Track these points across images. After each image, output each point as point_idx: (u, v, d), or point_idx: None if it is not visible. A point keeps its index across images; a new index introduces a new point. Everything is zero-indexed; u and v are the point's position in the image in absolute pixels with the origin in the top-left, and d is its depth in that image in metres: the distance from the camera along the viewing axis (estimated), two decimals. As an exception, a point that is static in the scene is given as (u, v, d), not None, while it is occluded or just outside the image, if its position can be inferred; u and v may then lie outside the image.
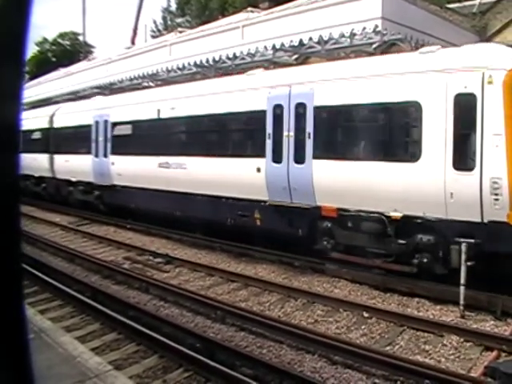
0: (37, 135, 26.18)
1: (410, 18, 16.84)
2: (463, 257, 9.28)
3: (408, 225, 10.48)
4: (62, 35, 61.73)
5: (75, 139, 22.56)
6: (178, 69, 23.97)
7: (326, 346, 7.91)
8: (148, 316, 9.38)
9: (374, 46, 17.87)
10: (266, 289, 11.36)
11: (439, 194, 9.77)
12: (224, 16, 31.19)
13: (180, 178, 15.80)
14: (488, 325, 8.96)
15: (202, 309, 9.98)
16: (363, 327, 9.06)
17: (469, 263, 9.26)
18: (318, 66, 14.57)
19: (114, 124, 19.66)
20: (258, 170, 13.26)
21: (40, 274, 11.73)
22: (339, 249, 11.92)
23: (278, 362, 7.55)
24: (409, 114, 10.82)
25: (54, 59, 57.14)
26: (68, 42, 61.35)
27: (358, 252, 11.46)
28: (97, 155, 20.49)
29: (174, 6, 53.70)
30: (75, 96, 31.95)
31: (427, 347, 8.14)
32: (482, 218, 9.38)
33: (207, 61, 21.99)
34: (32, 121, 26.04)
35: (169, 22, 52.25)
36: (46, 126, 25.42)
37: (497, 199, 9.16)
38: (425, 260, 10.30)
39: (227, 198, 14.30)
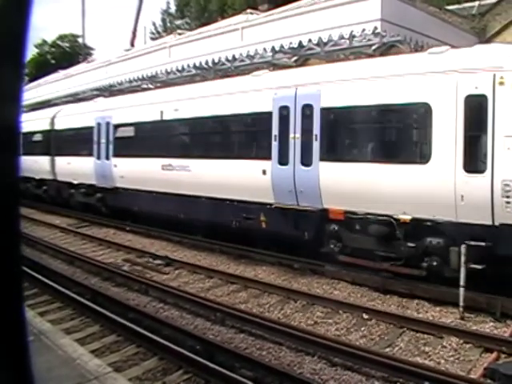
0: (38, 137, 26.06)
1: (409, 19, 16.87)
2: (462, 258, 9.28)
3: (417, 228, 10.32)
4: (62, 37, 61.84)
5: (77, 141, 22.38)
6: (178, 71, 24.00)
7: (325, 348, 7.90)
8: (148, 318, 9.37)
9: (374, 47, 17.90)
10: (265, 290, 11.35)
11: (449, 196, 9.63)
12: (223, 18, 31.21)
13: (184, 180, 15.63)
14: (487, 326, 8.95)
15: (201, 311, 9.97)
16: (363, 329, 9.06)
17: (479, 266, 9.21)
18: (324, 66, 14.37)
19: (116, 126, 19.49)
20: (264, 172, 13.11)
21: (40, 276, 11.71)
22: (346, 252, 11.76)
23: (278, 363, 7.54)
24: (418, 115, 10.63)
25: (53, 61, 57.20)
26: (67, 44, 61.43)
27: (366, 255, 11.29)
28: (99, 157, 20.33)
29: (173, 8, 53.84)
30: (74, 98, 31.95)
31: (427, 349, 8.13)
32: (493, 221, 9.24)
33: (206, 63, 22.02)
34: (33, 123, 25.93)
35: (168, 24, 52.33)
36: (48, 127, 25.26)
37: (508, 202, 9.03)
38: (434, 263, 10.15)
39: (232, 201, 14.12)
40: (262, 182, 13.12)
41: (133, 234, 18.43)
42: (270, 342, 8.47)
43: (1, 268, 1.72)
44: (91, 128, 20.79)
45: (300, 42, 18.21)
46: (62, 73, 37.98)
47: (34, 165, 24.84)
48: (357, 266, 11.56)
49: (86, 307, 10.01)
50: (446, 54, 10.53)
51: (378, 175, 10.82)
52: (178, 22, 49.92)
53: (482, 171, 9.35)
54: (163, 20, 53.54)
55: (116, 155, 19.42)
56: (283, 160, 12.73)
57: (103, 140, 20.09)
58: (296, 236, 12.64)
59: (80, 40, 55.93)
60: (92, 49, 59.08)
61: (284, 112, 12.79)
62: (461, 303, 9.33)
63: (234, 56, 20.86)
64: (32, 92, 37.68)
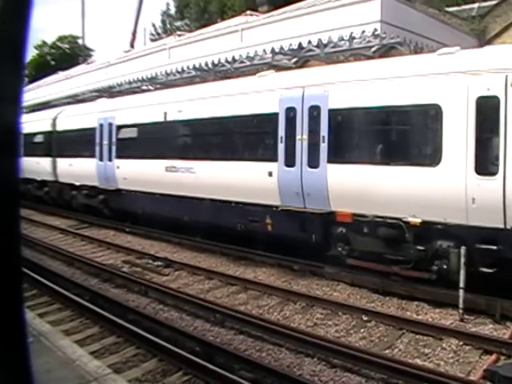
0: (39, 138, 25.91)
1: (408, 21, 16.93)
2: (462, 260, 9.27)
3: (427, 230, 10.17)
4: (62, 38, 61.94)
5: (79, 142, 22.17)
6: (177, 72, 24.03)
7: (325, 350, 7.89)
8: (147, 319, 9.36)
9: (373, 49, 17.90)
10: (265, 292, 11.35)
11: (460, 199, 9.48)
12: (223, 19, 31.33)
13: (188, 182, 15.45)
14: (487, 328, 8.94)
15: (201, 312, 9.96)
16: (362, 330, 9.05)
17: (490, 270, 9.15)
18: (332, 67, 14.18)
19: (119, 127, 19.31)
20: (270, 174, 12.92)
21: (39, 278, 11.71)
22: (354, 255, 11.63)
23: (277, 365, 7.53)
24: (428, 116, 10.45)
25: (53, 62, 57.32)
26: (67, 46, 61.56)
27: (375, 258, 11.16)
28: (101, 159, 20.15)
29: (173, 10, 54.01)
30: (74, 99, 31.96)
31: (426, 350, 8.13)
32: (505, 224, 9.11)
33: (206, 64, 22.07)
34: (34, 124, 25.84)
35: (168, 26, 52.48)
36: (49, 129, 25.06)
37: None
38: (444, 266, 9.96)
39: (237, 203, 13.97)
40: (268, 184, 12.96)
41: (132, 236, 18.41)
42: (270, 343, 8.46)
43: (1, 269, 1.72)
44: (93, 129, 20.61)
45: (300, 44, 18.25)
46: (61, 74, 38.10)
47: (36, 166, 24.77)
48: (364, 269, 11.41)
49: (86, 308, 10.00)
50: (456, 55, 10.36)
51: (388, 177, 10.68)
52: (178, 24, 50.10)
53: (493, 173, 9.21)
54: (163, 21, 53.70)
55: (119, 156, 19.23)
56: (290, 162, 12.56)
57: (106, 141, 19.91)
58: (302, 239, 12.46)
59: (80, 41, 56.22)
60: (92, 50, 59.38)
61: (291, 113, 12.62)
62: (460, 305, 9.32)
63: (233, 57, 20.90)
64: (32, 93, 37.75)
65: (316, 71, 14.09)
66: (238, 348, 8.22)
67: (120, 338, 8.64)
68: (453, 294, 9.60)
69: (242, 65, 21.17)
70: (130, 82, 27.16)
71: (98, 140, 20.37)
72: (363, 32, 16.37)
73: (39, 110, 31.49)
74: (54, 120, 24.91)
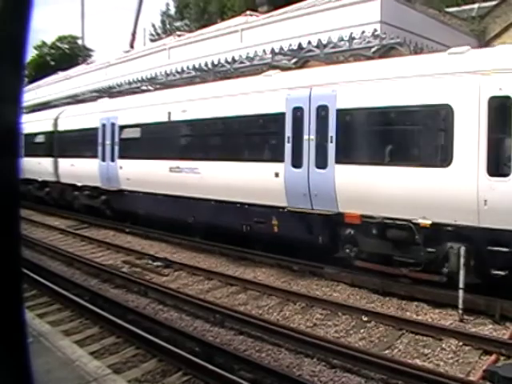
0: (40, 138, 25.79)
1: (408, 21, 16.92)
2: (462, 260, 9.27)
3: (437, 232, 10.01)
4: (61, 39, 61.97)
5: (81, 142, 22.04)
6: (177, 72, 24.03)
7: (324, 350, 7.89)
8: (147, 320, 9.36)
9: (373, 49, 17.90)
10: (264, 292, 11.35)
11: (472, 200, 9.33)
12: (223, 20, 31.34)
13: (193, 182, 15.30)
14: (487, 328, 8.94)
15: (200, 312, 9.96)
16: (362, 331, 9.05)
17: (502, 273, 9.08)
18: (340, 67, 14.07)
19: (122, 127, 19.15)
20: (277, 174, 12.78)
21: (39, 278, 11.71)
22: (362, 257, 11.49)
23: (277, 365, 7.54)
24: (439, 117, 10.28)
25: (52, 63, 57.34)
26: (67, 46, 61.57)
27: (383, 260, 11.05)
28: (104, 159, 20.00)
29: (172, 10, 54.01)
30: (74, 100, 31.96)
31: (426, 351, 8.13)
32: None
33: (206, 64, 22.07)
34: (35, 124, 25.74)
35: (168, 26, 52.48)
36: (50, 129, 24.91)
37: None
38: (453, 269, 9.73)
39: (243, 204, 13.85)
40: (275, 184, 12.83)
41: (132, 236, 18.41)
42: (270, 343, 8.46)
43: (1, 269, 1.72)
44: (96, 129, 20.44)
45: (299, 44, 18.25)
46: (61, 74, 38.07)
47: (37, 166, 24.70)
48: (374, 271, 11.28)
49: (86, 309, 10.00)
50: (467, 55, 10.23)
51: (397, 179, 10.55)
52: (178, 24, 50.11)
53: (506, 175, 9.12)
54: (163, 22, 53.69)
55: (121, 157, 19.07)
56: (297, 162, 12.43)
57: (108, 141, 19.75)
58: (309, 241, 12.33)
59: (79, 42, 56.15)
60: (91, 50, 59.33)
61: (298, 113, 12.48)
62: (460, 305, 9.33)
63: (233, 58, 20.90)
64: (31, 93, 37.72)
65: (323, 71, 13.86)
66: (237, 348, 8.22)
67: (120, 339, 8.65)
68: (452, 294, 9.60)
69: (242, 65, 21.17)
70: (129, 83, 27.16)
71: (100, 140, 20.22)
72: (363, 32, 16.36)
73: (39, 110, 31.45)
74: (56, 120, 24.75)
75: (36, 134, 25.70)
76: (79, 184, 21.96)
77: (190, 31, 32.70)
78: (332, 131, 11.69)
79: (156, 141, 17.38)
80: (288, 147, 12.65)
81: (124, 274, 12.79)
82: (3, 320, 1.76)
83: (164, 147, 16.89)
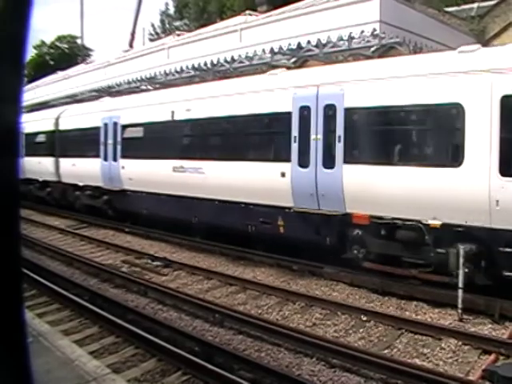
0: (41, 138, 25.65)
1: (408, 21, 16.91)
2: (461, 260, 9.26)
3: (448, 233, 9.86)
4: (60, 38, 62.00)
5: (83, 142, 21.84)
6: (176, 72, 24.03)
7: (324, 350, 7.89)
8: (146, 319, 9.36)
9: (372, 49, 17.92)
10: (264, 292, 11.35)
11: (483, 201, 9.20)
12: (222, 19, 31.31)
13: (197, 182, 15.17)
14: (486, 328, 8.95)
15: (200, 312, 9.96)
16: (361, 330, 9.06)
17: None
18: (348, 65, 13.89)
19: (125, 126, 18.98)
20: (283, 174, 12.64)
21: (38, 278, 11.70)
22: (370, 258, 11.33)
23: (276, 365, 7.54)
24: (450, 116, 10.11)
25: (52, 62, 57.32)
26: (66, 46, 61.61)
27: (392, 261, 10.91)
28: (106, 159, 19.86)
29: (172, 10, 53.99)
30: (73, 99, 31.94)
31: (425, 350, 8.13)
32: None
33: (205, 64, 22.06)
34: (36, 123, 25.63)
35: (167, 25, 52.48)
36: (52, 128, 24.73)
37: None
38: (466, 270, 9.47)
39: (248, 204, 13.69)
40: (281, 184, 12.69)
41: (132, 236, 18.40)
42: (269, 343, 8.46)
43: (1, 269, 1.72)
44: (98, 128, 20.29)
45: (299, 44, 18.25)
46: (60, 74, 38.04)
47: (38, 166, 24.63)
48: (383, 273, 11.16)
49: (85, 308, 9.99)
50: (477, 53, 10.09)
51: (407, 179, 10.41)
52: (177, 24, 50.10)
53: None
54: (162, 21, 53.70)
55: (124, 156, 18.92)
56: (304, 162, 12.29)
57: (110, 141, 19.60)
58: (316, 241, 12.20)
59: (79, 41, 56.07)
60: (91, 50, 59.30)
61: (304, 112, 12.32)
62: (459, 305, 9.32)
63: (232, 57, 20.89)
64: (30, 93, 37.70)
65: (330, 69, 13.65)
66: (237, 348, 8.22)
67: (119, 338, 8.64)
68: (452, 294, 9.60)
69: (241, 65, 21.18)
70: (129, 82, 27.16)
71: (102, 139, 20.07)
72: (362, 32, 16.36)
73: (38, 110, 31.39)
74: (57, 119, 24.59)
75: (37, 134, 25.55)
76: (81, 184, 21.83)
77: (190, 31, 32.66)
78: (340, 130, 11.54)
79: (159, 140, 17.21)
80: (295, 147, 12.51)
81: (123, 274, 12.78)
82: (3, 320, 1.76)
83: (167, 147, 16.73)
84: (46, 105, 34.27)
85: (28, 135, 24.55)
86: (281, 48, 18.85)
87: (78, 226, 20.90)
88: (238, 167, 13.97)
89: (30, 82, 43.16)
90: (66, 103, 30.26)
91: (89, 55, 55.41)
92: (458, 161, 9.67)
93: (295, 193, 12.48)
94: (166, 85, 24.36)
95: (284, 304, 10.57)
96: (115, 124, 19.46)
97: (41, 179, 25.53)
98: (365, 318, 9.52)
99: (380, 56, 17.00)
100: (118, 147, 19.26)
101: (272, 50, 19.25)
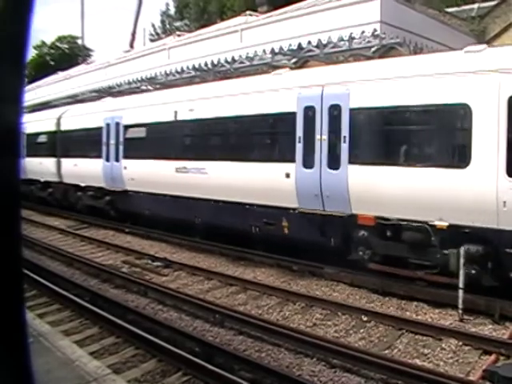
0: (43, 138, 25.56)
1: (408, 21, 16.93)
2: (461, 261, 9.26)
3: (454, 234, 9.76)
4: (61, 39, 61.99)
5: (84, 142, 21.72)
6: (177, 72, 24.04)
7: (324, 350, 7.89)
8: (146, 320, 9.36)
9: (373, 49, 17.91)
10: (264, 292, 11.35)
11: (491, 202, 9.12)
12: (223, 20, 31.33)
13: (200, 183, 15.07)
14: (486, 328, 8.95)
15: (200, 312, 9.96)
16: (362, 331, 9.05)
17: None
18: (353, 65, 13.80)
19: (127, 126, 18.89)
20: (287, 175, 12.54)
21: (39, 278, 11.70)
22: (376, 259, 11.26)
23: (277, 365, 7.53)
24: (457, 116, 10.04)
25: (52, 63, 57.33)
26: (66, 46, 61.59)
27: (398, 263, 10.84)
28: (108, 159, 19.77)
29: (172, 10, 54.03)
30: (74, 99, 31.95)
31: (426, 351, 8.13)
32: None
33: (206, 64, 22.07)
34: (38, 123, 25.58)
35: (167, 26, 52.52)
36: (53, 128, 24.64)
37: None
38: (473, 272, 9.48)
39: (252, 205, 13.59)
40: (285, 185, 12.59)
41: (132, 236, 18.40)
42: (269, 343, 8.46)
43: (1, 270, 1.72)
44: (100, 129, 20.18)
45: (299, 44, 18.26)
46: (61, 74, 38.07)
47: (39, 167, 24.57)
48: (389, 274, 11.08)
49: (85, 309, 10.00)
50: (484, 53, 9.99)
51: (413, 180, 10.33)
52: (178, 24, 50.13)
53: None
54: (162, 22, 53.73)
55: (126, 157, 18.82)
56: (308, 163, 12.19)
57: (112, 141, 19.49)
58: (321, 243, 12.11)
59: (79, 41, 56.14)
60: (91, 50, 59.35)
61: (309, 112, 12.22)
62: (460, 305, 9.33)
63: (233, 58, 20.89)
64: (31, 93, 37.72)
65: (335, 69, 13.56)
66: (237, 348, 8.22)
67: (119, 339, 8.64)
68: (452, 294, 9.60)
69: (242, 65, 21.17)
70: (129, 83, 27.16)
71: (104, 140, 19.97)
72: (363, 32, 16.37)
73: (39, 110, 31.40)
74: (59, 119, 24.51)
75: (38, 134, 25.48)
76: (83, 184, 21.74)
77: (190, 31, 32.71)
78: (345, 131, 11.44)
79: (162, 140, 17.11)
80: (299, 147, 12.42)
81: (124, 274, 12.78)
82: (4, 320, 1.76)
83: (170, 147, 16.63)
84: (47, 105, 34.27)
85: (29, 135, 24.53)
86: (281, 48, 18.86)
87: (78, 226, 20.90)
88: (242, 168, 13.88)
89: (31, 82, 43.17)
90: (67, 103, 30.25)
91: (89, 55, 55.51)
92: (465, 162, 9.59)
93: (300, 194, 12.40)
94: (166, 85, 24.35)
95: (284, 304, 10.57)
96: (117, 124, 19.37)
97: (42, 180, 25.45)
98: (365, 319, 9.51)
99: (380, 56, 16.99)
100: (120, 147, 19.16)
101: (273, 51, 19.25)
